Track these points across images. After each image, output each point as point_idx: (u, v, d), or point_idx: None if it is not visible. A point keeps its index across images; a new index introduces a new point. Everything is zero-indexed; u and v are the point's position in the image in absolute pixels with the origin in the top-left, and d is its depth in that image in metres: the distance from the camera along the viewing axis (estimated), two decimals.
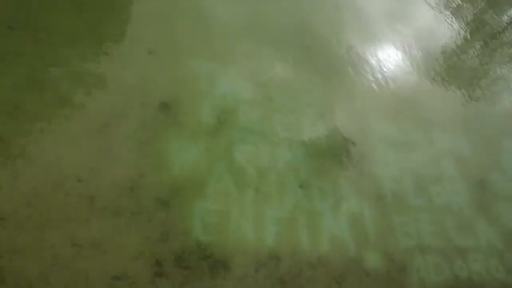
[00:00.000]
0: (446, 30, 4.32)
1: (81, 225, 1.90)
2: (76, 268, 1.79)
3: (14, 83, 2.19)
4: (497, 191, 3.19)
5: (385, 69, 3.54)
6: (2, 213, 1.80)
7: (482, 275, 2.67)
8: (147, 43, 2.69)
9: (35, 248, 1.77)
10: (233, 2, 3.32)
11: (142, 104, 2.41)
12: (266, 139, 2.61)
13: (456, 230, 2.81)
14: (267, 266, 2.13)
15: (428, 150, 3.17)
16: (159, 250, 1.97)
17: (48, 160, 2.01)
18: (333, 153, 2.77)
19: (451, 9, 4.57)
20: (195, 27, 2.98)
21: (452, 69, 3.96)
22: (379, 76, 3.45)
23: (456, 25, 4.42)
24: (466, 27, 4.46)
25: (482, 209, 3.03)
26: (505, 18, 4.81)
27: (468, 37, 4.36)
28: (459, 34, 4.33)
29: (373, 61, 3.54)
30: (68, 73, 2.35)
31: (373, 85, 3.36)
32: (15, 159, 1.95)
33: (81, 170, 2.04)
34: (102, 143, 2.17)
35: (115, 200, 2.02)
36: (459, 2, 4.72)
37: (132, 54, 2.59)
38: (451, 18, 4.47)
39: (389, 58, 3.67)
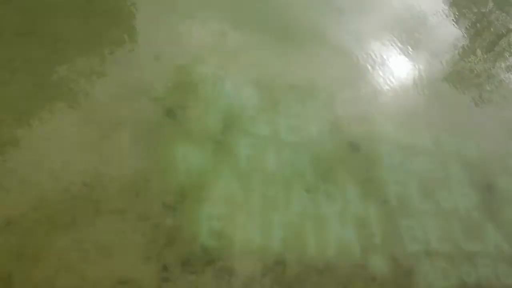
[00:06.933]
0: (452, 32, 4.31)
1: (88, 230, 1.91)
2: (82, 272, 1.80)
3: (21, 89, 2.21)
4: (505, 195, 3.16)
5: (390, 72, 3.53)
6: (10, 217, 1.82)
7: (490, 280, 2.64)
8: (154, 49, 2.71)
9: (42, 252, 1.78)
10: (237, 8, 3.34)
11: (148, 109, 2.42)
12: (272, 143, 2.61)
13: (464, 235, 2.78)
14: (273, 271, 2.12)
15: (435, 154, 3.14)
16: (166, 255, 1.97)
17: (55, 165, 2.02)
18: (339, 157, 2.76)
19: (457, 10, 4.55)
20: (201, 33, 2.99)
21: (458, 71, 3.94)
22: (385, 79, 3.44)
23: (462, 27, 4.40)
24: (472, 29, 4.44)
25: (490, 214, 3.00)
26: (511, 20, 4.79)
27: (475, 39, 4.35)
28: (465, 36, 4.32)
29: (378, 65, 3.54)
30: (75, 79, 2.37)
31: (379, 88, 3.35)
32: (23, 165, 1.97)
33: (87, 175, 2.05)
34: (108, 148, 2.18)
35: (121, 204, 2.03)
36: (465, 4, 4.70)
37: (138, 60, 2.61)
38: (457, 19, 4.45)
39: (394, 61, 3.66)
